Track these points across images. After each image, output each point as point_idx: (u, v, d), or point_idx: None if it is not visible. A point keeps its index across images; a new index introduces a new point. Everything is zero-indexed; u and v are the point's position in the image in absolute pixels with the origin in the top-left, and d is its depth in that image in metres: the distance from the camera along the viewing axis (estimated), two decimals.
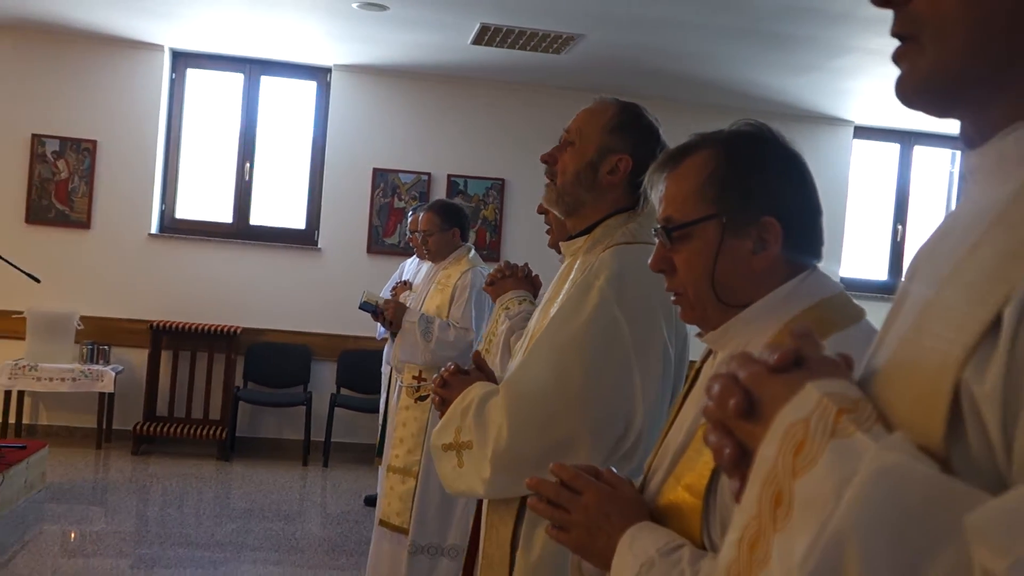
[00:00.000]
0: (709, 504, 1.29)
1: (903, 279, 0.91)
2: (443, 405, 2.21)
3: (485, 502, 2.23)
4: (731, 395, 0.83)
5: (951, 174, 8.81)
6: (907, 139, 8.58)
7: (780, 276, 1.39)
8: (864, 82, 6.95)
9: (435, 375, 4.42)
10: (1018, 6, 0.76)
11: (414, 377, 4.52)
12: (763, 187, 1.39)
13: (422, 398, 4.46)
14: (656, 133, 2.23)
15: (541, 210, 2.56)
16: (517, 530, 2.07)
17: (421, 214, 4.83)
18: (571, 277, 2.18)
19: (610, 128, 2.19)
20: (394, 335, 4.60)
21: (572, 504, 1.40)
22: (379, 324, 5.36)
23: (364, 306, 4.79)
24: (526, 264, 3.14)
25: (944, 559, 0.64)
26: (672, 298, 1.48)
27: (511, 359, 2.42)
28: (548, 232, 2.69)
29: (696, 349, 2.19)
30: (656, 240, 2.21)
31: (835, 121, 8.23)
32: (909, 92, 0.85)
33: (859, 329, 1.35)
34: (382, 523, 4.49)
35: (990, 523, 0.61)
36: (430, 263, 5.38)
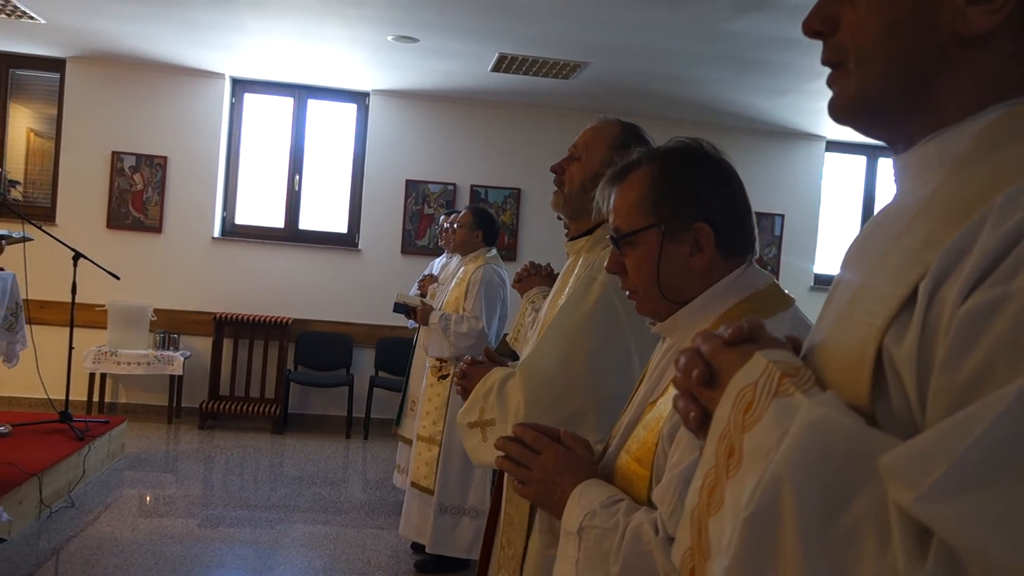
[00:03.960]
0: (654, 472, 1.31)
1: (839, 268, 0.92)
2: (465, 393, 2.23)
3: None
4: (694, 366, 0.86)
5: None
6: (872, 152, 8.54)
7: (719, 272, 1.40)
8: None
9: (456, 368, 4.47)
10: (927, 38, 0.78)
11: (437, 359, 4.59)
12: (693, 197, 1.40)
13: (443, 377, 4.53)
14: None
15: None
16: None
17: (464, 210, 5.05)
18: (575, 272, 2.20)
19: (614, 145, 2.19)
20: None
21: (533, 463, 1.44)
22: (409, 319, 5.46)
23: (397, 308, 4.87)
24: (548, 264, 3.15)
25: (864, 496, 0.66)
26: (627, 295, 1.49)
27: (525, 344, 2.43)
28: (566, 232, 2.71)
29: None
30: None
31: (809, 137, 8.20)
32: (839, 110, 0.87)
33: (787, 315, 1.38)
34: (413, 484, 4.54)
35: (899, 463, 0.63)
36: (456, 259, 5.46)
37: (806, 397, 0.75)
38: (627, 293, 1.48)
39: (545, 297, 2.99)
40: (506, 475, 2.24)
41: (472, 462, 2.23)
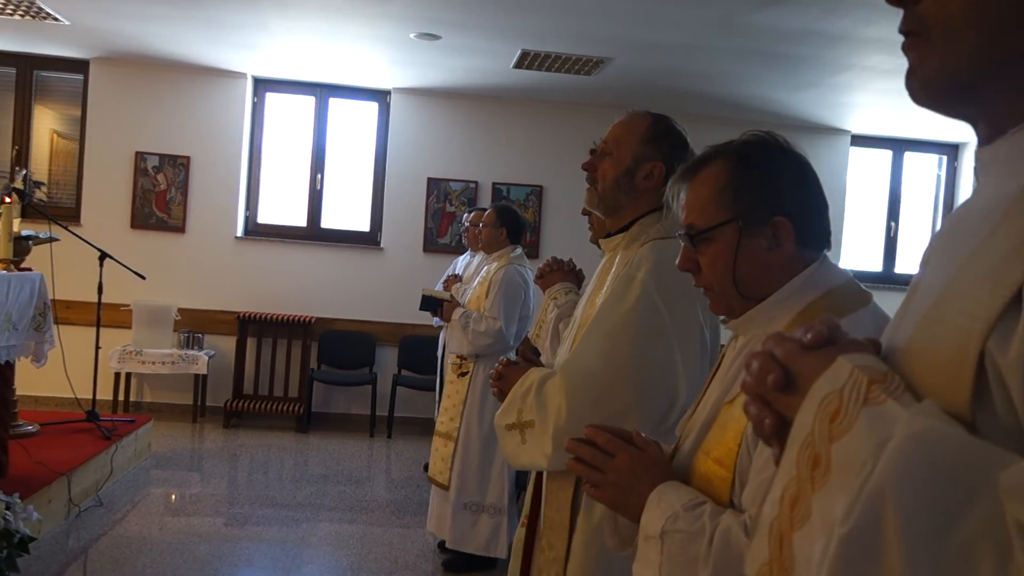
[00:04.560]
0: (736, 473, 1.28)
1: (919, 267, 0.88)
2: (501, 395, 2.20)
3: (545, 472, 2.19)
4: (769, 370, 0.81)
5: (938, 176, 8.68)
6: (899, 146, 8.46)
7: (796, 267, 1.37)
8: (860, 96, 6.86)
9: (477, 366, 4.46)
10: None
11: (458, 356, 4.59)
12: (772, 190, 1.37)
13: (463, 374, 4.53)
14: (685, 141, 2.19)
15: (585, 211, 2.53)
16: (576, 496, 2.04)
17: (488, 209, 5.05)
18: (613, 270, 2.15)
19: (645, 138, 2.15)
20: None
21: (606, 465, 1.41)
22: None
23: (424, 304, 4.84)
24: (571, 259, 3.10)
25: (976, 514, 0.62)
26: (702, 293, 1.47)
27: (560, 343, 2.40)
28: (590, 229, 2.66)
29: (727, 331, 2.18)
30: None
31: (834, 131, 8.12)
32: (920, 90, 0.81)
33: (867, 311, 1.34)
34: (430, 479, 4.57)
35: (1022, 481, 0.60)
36: (479, 257, 5.47)
37: (900, 405, 0.71)
38: (701, 290, 1.46)
39: (567, 293, 2.94)
40: (544, 476, 2.22)
41: (511, 465, 2.19)
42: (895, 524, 0.65)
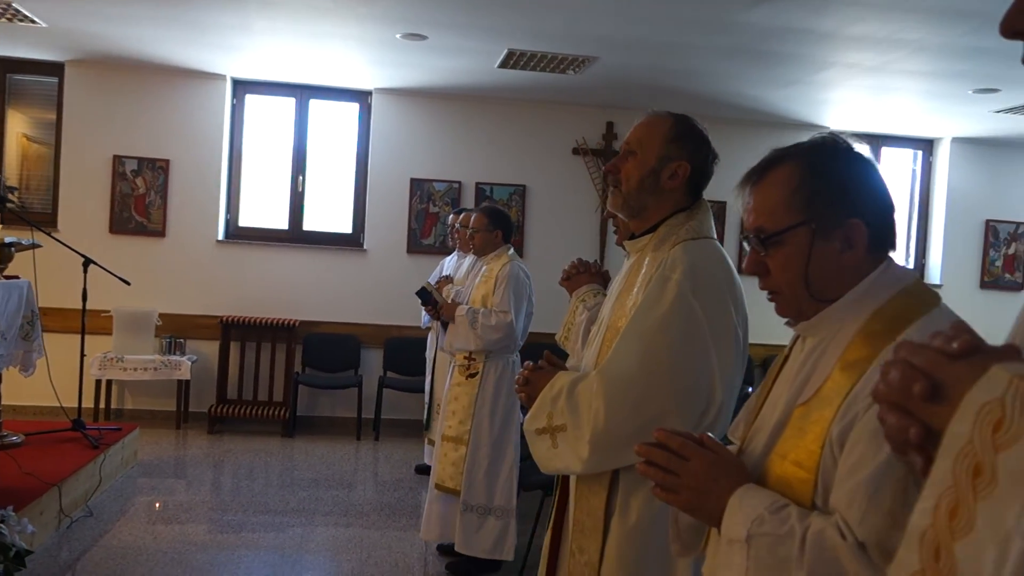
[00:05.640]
0: (819, 475, 1.28)
1: None
2: (529, 401, 2.18)
3: (573, 476, 2.19)
4: (914, 380, 0.80)
5: (913, 171, 8.80)
6: (875, 141, 8.55)
7: (865, 268, 1.38)
8: (840, 92, 6.91)
9: (500, 372, 4.41)
10: None
11: (465, 357, 4.52)
12: (846, 192, 1.38)
13: (472, 375, 4.47)
14: (707, 140, 2.20)
15: (609, 215, 2.52)
16: (611, 498, 2.05)
17: (474, 214, 4.93)
18: (643, 272, 2.14)
19: (669, 138, 2.16)
20: (444, 325, 4.63)
21: (681, 469, 1.39)
22: (424, 313, 5.42)
23: (422, 293, 4.75)
24: (597, 260, 3.07)
25: None
26: (768, 296, 1.46)
27: (587, 345, 2.38)
28: (616, 232, 2.64)
29: (755, 332, 2.17)
30: (715, 237, 2.20)
31: (813, 128, 8.16)
32: None
33: (940, 312, 1.34)
34: (437, 486, 4.49)
35: None
36: (470, 259, 5.43)
37: None
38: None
39: (596, 295, 2.91)
40: (572, 480, 2.21)
41: (542, 469, 2.17)
42: None
